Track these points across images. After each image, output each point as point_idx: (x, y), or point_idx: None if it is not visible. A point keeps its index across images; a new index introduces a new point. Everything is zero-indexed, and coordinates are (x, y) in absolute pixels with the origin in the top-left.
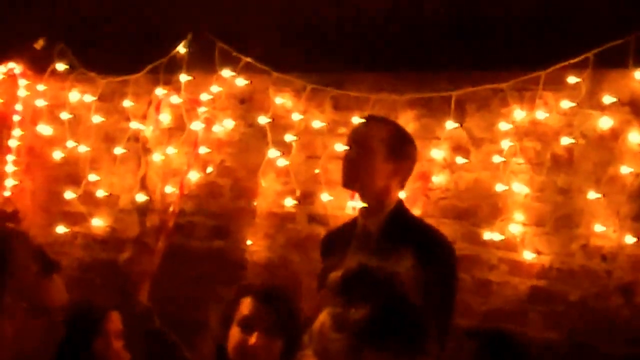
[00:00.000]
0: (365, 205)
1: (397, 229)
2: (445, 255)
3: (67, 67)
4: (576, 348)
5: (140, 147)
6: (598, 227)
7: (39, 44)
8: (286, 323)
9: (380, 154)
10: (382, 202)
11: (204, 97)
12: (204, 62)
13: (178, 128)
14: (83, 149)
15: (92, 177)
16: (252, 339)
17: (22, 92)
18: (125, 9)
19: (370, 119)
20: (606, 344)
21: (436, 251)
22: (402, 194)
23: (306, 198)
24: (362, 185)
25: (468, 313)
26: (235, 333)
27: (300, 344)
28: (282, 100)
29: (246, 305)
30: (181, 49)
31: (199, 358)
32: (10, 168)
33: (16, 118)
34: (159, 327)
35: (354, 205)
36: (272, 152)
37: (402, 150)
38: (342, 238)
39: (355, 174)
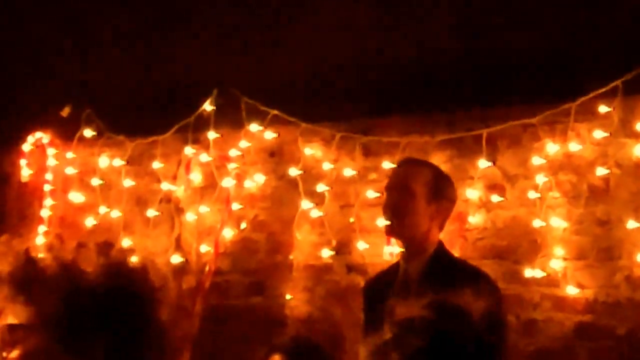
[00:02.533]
0: (403, 250)
1: (439, 271)
2: (492, 296)
3: (94, 132)
4: None
5: (172, 208)
6: None
7: (65, 112)
8: None
9: (422, 197)
10: (423, 245)
11: (233, 153)
12: (231, 117)
13: (209, 186)
14: (115, 214)
15: (126, 241)
16: None
17: (51, 161)
18: (148, 69)
19: (407, 161)
20: None
21: (482, 292)
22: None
23: (342, 248)
24: (404, 231)
25: (515, 354)
26: None
27: None
28: (311, 150)
29: None
30: (207, 106)
31: None
32: (41, 240)
33: (47, 188)
34: None
35: (391, 251)
36: (305, 204)
37: (443, 191)
38: (383, 285)
39: (400, 221)
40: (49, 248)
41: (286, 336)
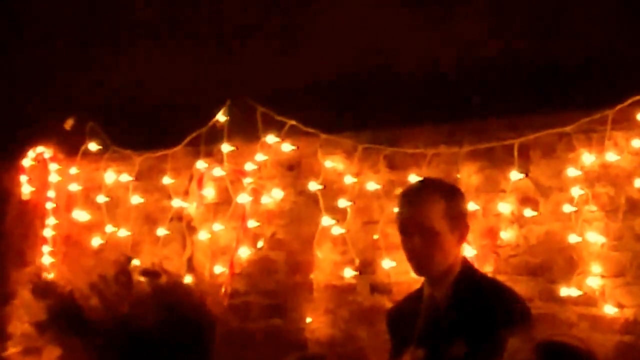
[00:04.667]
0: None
1: (467, 295)
2: (519, 316)
3: (99, 146)
4: None
5: (184, 226)
6: None
7: (68, 124)
8: None
9: (445, 231)
10: (449, 268)
11: (249, 166)
12: (245, 129)
13: (223, 202)
14: (123, 233)
15: (135, 262)
16: None
17: (53, 178)
18: (157, 78)
19: (414, 194)
20: None
21: (508, 312)
22: (469, 251)
23: (366, 267)
24: (437, 267)
25: None
26: None
27: None
28: (332, 163)
29: None
30: (221, 117)
31: None
32: (47, 260)
33: (49, 206)
34: None
35: None
36: (326, 220)
37: (459, 211)
38: (408, 312)
39: (429, 262)
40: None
41: (292, 357)
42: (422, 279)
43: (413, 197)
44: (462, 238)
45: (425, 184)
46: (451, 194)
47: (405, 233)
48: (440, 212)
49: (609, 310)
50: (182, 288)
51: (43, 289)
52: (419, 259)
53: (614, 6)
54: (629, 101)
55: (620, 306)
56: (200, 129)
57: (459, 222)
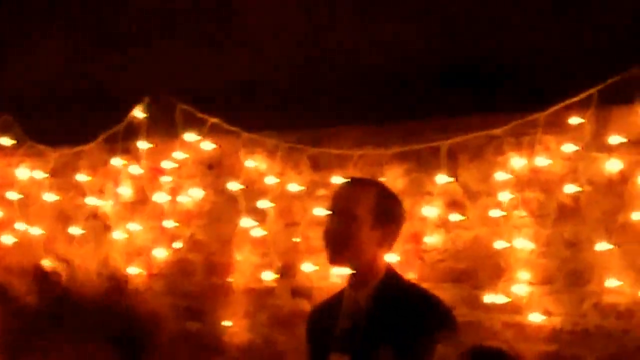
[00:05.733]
0: (353, 272)
1: (389, 298)
2: (445, 322)
3: (13, 140)
4: None
5: (99, 225)
6: (611, 282)
7: None
8: None
9: (366, 223)
10: (370, 272)
11: (168, 165)
12: (164, 126)
13: (140, 201)
14: (36, 231)
15: (47, 262)
16: None
17: None
18: (74, 72)
19: (350, 182)
20: None
21: (434, 320)
22: (392, 257)
23: (287, 270)
24: (349, 260)
25: None
26: None
27: None
28: (254, 163)
29: None
30: (139, 113)
31: None
32: None
33: None
34: None
35: (339, 273)
36: (247, 222)
37: (389, 214)
38: (329, 315)
39: (341, 250)
40: None
41: None
42: (344, 283)
43: (350, 183)
44: (385, 241)
45: (369, 179)
46: (387, 197)
47: (328, 218)
48: (368, 204)
49: (535, 318)
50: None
51: None
52: (334, 240)
53: (548, 8)
54: (560, 105)
55: (547, 314)
56: (118, 125)
57: (384, 224)
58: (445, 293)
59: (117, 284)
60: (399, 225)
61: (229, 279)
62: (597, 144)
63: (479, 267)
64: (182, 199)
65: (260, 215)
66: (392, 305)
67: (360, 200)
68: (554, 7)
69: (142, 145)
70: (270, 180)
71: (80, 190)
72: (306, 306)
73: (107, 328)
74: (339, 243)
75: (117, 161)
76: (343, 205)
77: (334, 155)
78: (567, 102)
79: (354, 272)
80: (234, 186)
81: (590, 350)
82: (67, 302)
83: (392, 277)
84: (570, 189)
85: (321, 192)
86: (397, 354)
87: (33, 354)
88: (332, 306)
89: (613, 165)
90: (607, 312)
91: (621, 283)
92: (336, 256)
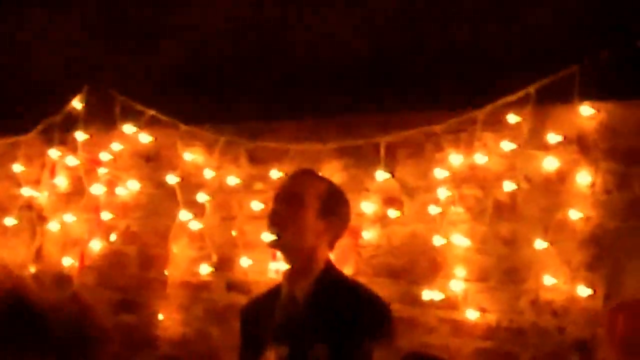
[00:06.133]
0: (289, 266)
1: (327, 293)
2: (381, 319)
3: None
4: None
5: (34, 216)
6: (548, 280)
7: None
8: None
9: (312, 210)
10: (310, 264)
11: (105, 156)
12: (102, 117)
13: (76, 192)
14: None
15: None
16: None
17: None
18: (11, 60)
19: (302, 172)
20: None
21: (371, 315)
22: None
23: (223, 264)
24: (290, 244)
25: None
26: None
27: None
28: (192, 156)
29: None
30: (76, 104)
31: None
32: None
33: None
34: None
35: (277, 267)
36: (184, 215)
37: (335, 208)
38: (265, 309)
39: (284, 232)
40: None
41: (150, 358)
42: (281, 278)
43: (303, 171)
44: (328, 234)
45: (318, 174)
46: (336, 193)
47: (275, 199)
48: (315, 191)
49: (471, 315)
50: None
51: None
52: (276, 224)
53: (488, 6)
54: (499, 102)
55: (483, 311)
56: (55, 115)
57: (330, 217)
58: (381, 288)
59: (52, 277)
60: (343, 223)
61: (165, 272)
62: (534, 142)
63: (416, 263)
64: (119, 191)
65: (197, 209)
66: (329, 302)
67: (311, 188)
68: (495, 4)
69: (80, 136)
70: (208, 173)
71: (16, 181)
72: (242, 300)
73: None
74: (283, 226)
75: (53, 152)
76: (293, 190)
77: (271, 149)
78: (506, 100)
79: (292, 263)
80: (171, 179)
81: (525, 347)
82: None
83: (331, 272)
84: (507, 186)
85: (259, 186)
86: (333, 352)
87: None
88: (268, 300)
89: (550, 163)
90: (543, 309)
91: (557, 281)
92: (278, 239)
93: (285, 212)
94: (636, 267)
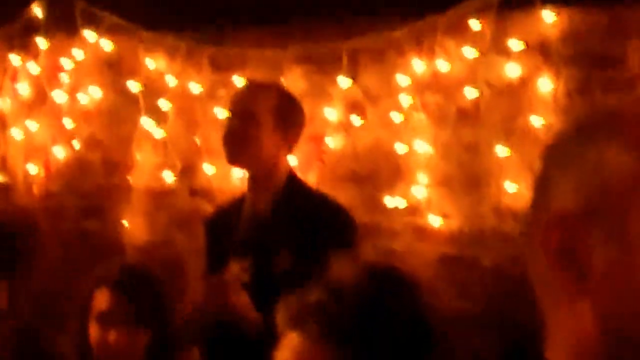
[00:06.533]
0: (252, 175)
1: (289, 203)
2: (344, 227)
3: None
4: (491, 318)
5: None
6: (509, 185)
7: None
8: (150, 312)
9: (267, 125)
10: (271, 173)
11: (66, 63)
12: (63, 23)
13: (38, 99)
14: None
15: None
16: (111, 336)
17: None
18: None
19: (252, 85)
20: (524, 312)
21: (333, 224)
22: (292, 159)
23: (187, 170)
24: (249, 160)
25: None
26: (93, 330)
27: (171, 333)
28: (153, 62)
29: (101, 299)
30: (36, 8)
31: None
32: None
33: None
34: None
35: (240, 174)
36: (146, 121)
37: (291, 116)
38: (229, 219)
39: (240, 150)
40: None
41: (113, 266)
42: (244, 186)
43: (249, 85)
44: (286, 144)
45: (270, 83)
46: (288, 100)
47: (229, 118)
48: (267, 104)
49: (434, 220)
50: None
51: None
52: (233, 143)
53: None
54: (461, 8)
55: (446, 216)
56: (14, 21)
57: (285, 126)
58: (345, 195)
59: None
60: (299, 128)
61: (128, 179)
62: (496, 48)
63: (379, 170)
64: (81, 97)
65: (160, 115)
66: (292, 211)
67: (260, 102)
68: None
69: (40, 42)
70: (170, 80)
71: None
72: (205, 206)
73: None
74: (238, 144)
75: (14, 58)
76: (243, 107)
77: (233, 55)
78: (467, 5)
79: (254, 175)
80: (133, 86)
81: (488, 252)
82: None
83: (293, 182)
84: (469, 92)
85: (221, 92)
86: (296, 260)
87: None
88: (232, 210)
89: (512, 70)
90: (505, 214)
91: (518, 186)
92: (235, 157)
93: (240, 130)
94: (566, 175)
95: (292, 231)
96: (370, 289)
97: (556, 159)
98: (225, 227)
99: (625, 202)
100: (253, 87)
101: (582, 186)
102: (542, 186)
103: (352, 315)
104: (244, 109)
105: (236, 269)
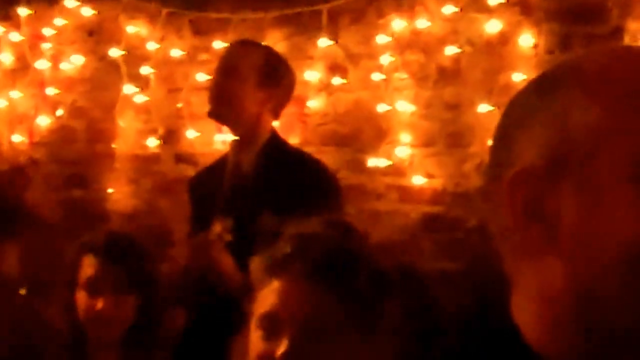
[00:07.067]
0: (236, 138)
1: (272, 163)
2: (328, 189)
3: None
4: (476, 278)
5: None
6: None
7: None
8: (137, 278)
9: (250, 81)
10: (254, 134)
11: (48, 31)
12: None
13: (21, 68)
14: None
15: None
16: (99, 304)
17: None
18: None
19: (238, 42)
20: None
21: (317, 185)
22: (276, 124)
23: (170, 136)
24: (230, 115)
25: None
26: (81, 298)
27: (157, 296)
28: (135, 28)
29: (88, 266)
30: None
31: (52, 324)
32: None
33: None
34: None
35: (223, 139)
36: (129, 88)
37: (277, 76)
38: (212, 179)
39: (222, 102)
40: None
41: (99, 233)
42: (227, 148)
43: (238, 42)
44: (270, 103)
45: (257, 43)
46: (276, 60)
47: (214, 74)
48: (252, 61)
49: (418, 180)
50: None
51: None
52: (214, 96)
53: None
54: None
55: (429, 176)
56: None
57: (270, 85)
58: (328, 157)
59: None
60: (286, 91)
61: (112, 146)
62: (476, 5)
63: (361, 130)
64: (63, 65)
65: (142, 82)
66: (275, 170)
67: (246, 58)
68: None
69: (22, 11)
70: (152, 46)
71: None
72: (190, 172)
73: None
74: (220, 98)
75: None
76: (227, 63)
77: (214, 20)
78: None
79: (236, 134)
80: (115, 52)
81: (472, 212)
82: None
83: (276, 142)
84: (450, 50)
85: (203, 57)
86: (279, 220)
87: None
88: (215, 170)
89: (493, 26)
90: (484, 171)
91: None
92: (216, 110)
93: (223, 85)
94: (529, 130)
95: (276, 191)
96: (334, 232)
97: (519, 114)
98: (209, 187)
99: (592, 155)
100: (240, 44)
101: (547, 140)
102: (505, 141)
103: (329, 256)
104: (228, 65)
105: (219, 228)
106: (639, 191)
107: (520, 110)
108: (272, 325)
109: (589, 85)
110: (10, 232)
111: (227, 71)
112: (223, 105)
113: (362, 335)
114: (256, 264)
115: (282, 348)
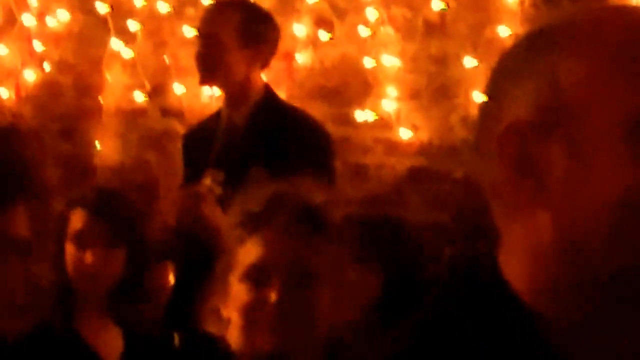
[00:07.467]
0: (226, 93)
1: (265, 119)
2: (319, 144)
3: None
4: (463, 229)
5: None
6: (477, 96)
7: None
8: (126, 231)
9: (232, 44)
10: (245, 91)
11: None
12: None
13: (7, 23)
14: None
15: None
16: (88, 257)
17: None
18: None
19: (215, 5)
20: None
21: (309, 141)
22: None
23: (157, 90)
24: (219, 79)
25: (344, 200)
26: (70, 251)
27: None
28: None
29: (77, 219)
30: None
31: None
32: None
33: None
34: None
35: (211, 94)
36: (115, 43)
37: (258, 33)
38: (205, 134)
39: (209, 70)
40: None
41: (87, 187)
42: (216, 103)
43: (214, 6)
44: (257, 60)
45: (232, 1)
46: (255, 17)
47: (197, 41)
48: (230, 24)
49: (404, 133)
50: None
51: None
52: (200, 65)
53: None
54: None
55: (415, 129)
56: None
57: (253, 43)
58: (315, 111)
59: None
60: (270, 45)
61: (100, 100)
62: None
63: (348, 85)
64: (49, 20)
65: (129, 36)
66: (268, 127)
67: (224, 23)
68: None
69: None
70: (138, 1)
71: None
72: (177, 126)
73: None
74: (206, 65)
75: None
76: (207, 28)
77: None
78: None
79: (228, 92)
80: (101, 7)
81: (458, 164)
82: None
83: (269, 98)
84: (436, 4)
85: (190, 11)
86: (270, 175)
87: None
88: (209, 125)
89: None
90: (474, 125)
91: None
92: (205, 78)
93: (205, 54)
94: (520, 86)
95: (268, 147)
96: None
97: (510, 69)
98: (202, 142)
99: (583, 111)
100: (215, 7)
101: (539, 95)
102: (496, 96)
103: (307, 208)
104: (207, 31)
105: (209, 181)
106: (629, 147)
107: (511, 65)
108: (261, 276)
109: (581, 42)
110: (20, 195)
111: (207, 39)
112: (211, 72)
113: (344, 272)
114: (233, 219)
115: (274, 296)
